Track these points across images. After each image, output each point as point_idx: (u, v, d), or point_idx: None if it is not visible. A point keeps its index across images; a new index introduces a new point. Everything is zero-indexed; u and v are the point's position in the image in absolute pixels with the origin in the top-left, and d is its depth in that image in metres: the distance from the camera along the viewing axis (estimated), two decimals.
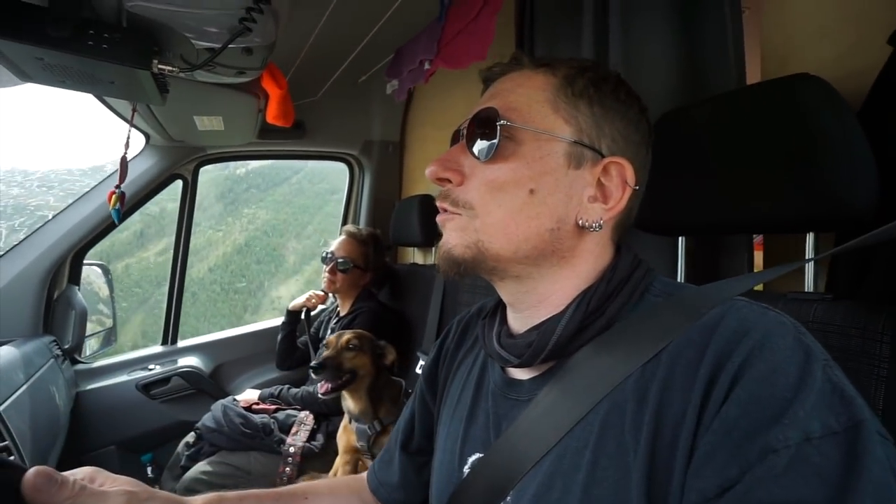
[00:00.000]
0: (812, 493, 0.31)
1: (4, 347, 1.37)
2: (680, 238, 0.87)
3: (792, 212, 0.64)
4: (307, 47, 1.44)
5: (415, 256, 2.17)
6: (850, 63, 0.74)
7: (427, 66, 1.49)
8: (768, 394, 0.34)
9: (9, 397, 1.18)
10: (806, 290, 0.69)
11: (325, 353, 1.22)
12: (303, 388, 1.74)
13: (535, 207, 0.47)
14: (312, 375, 1.20)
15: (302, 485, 0.66)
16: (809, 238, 0.68)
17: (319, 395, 1.21)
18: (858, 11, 0.74)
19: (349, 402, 1.24)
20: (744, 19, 0.89)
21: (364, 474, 0.72)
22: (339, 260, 1.74)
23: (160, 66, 0.76)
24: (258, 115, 1.51)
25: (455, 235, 0.49)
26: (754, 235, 0.88)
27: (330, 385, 1.18)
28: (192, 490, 1.39)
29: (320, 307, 2.04)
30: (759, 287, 0.86)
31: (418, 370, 1.68)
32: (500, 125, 0.47)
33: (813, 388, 0.34)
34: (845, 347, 0.57)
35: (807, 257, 0.68)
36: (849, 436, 0.32)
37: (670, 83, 0.92)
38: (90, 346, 1.89)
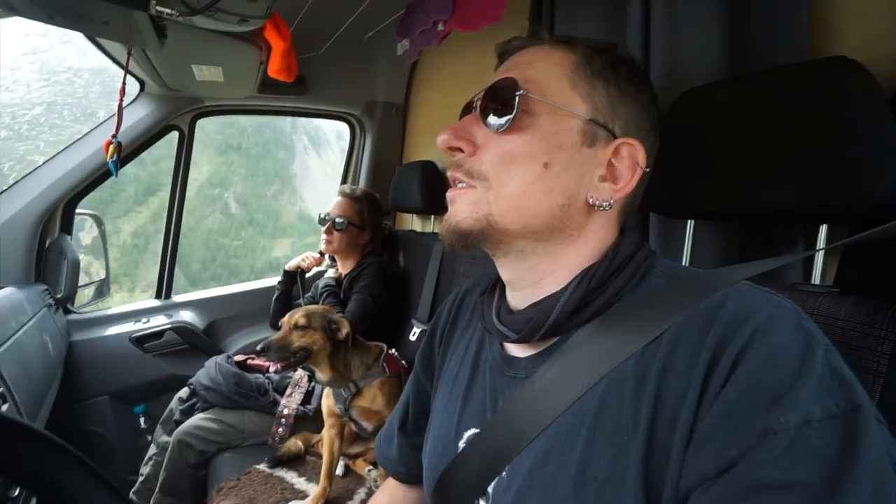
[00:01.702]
0: (810, 474, 0.32)
1: None
2: (689, 222, 0.85)
3: (813, 202, 0.62)
4: None
5: (413, 223, 2.15)
6: (890, 44, 0.71)
7: (440, 27, 1.42)
8: (769, 377, 0.35)
9: (2, 344, 1.17)
10: (814, 282, 0.68)
11: (273, 336, 1.24)
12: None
13: (547, 182, 0.47)
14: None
15: None
16: (822, 230, 0.67)
17: (271, 372, 1.24)
18: None
19: (318, 374, 1.27)
20: None
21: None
22: (336, 219, 1.73)
23: (159, 9, 0.72)
24: (259, 68, 1.45)
25: (465, 209, 0.49)
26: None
27: (280, 364, 1.20)
28: (185, 444, 1.42)
29: (316, 269, 2.03)
30: None
31: (412, 338, 1.69)
32: (519, 96, 0.47)
33: (814, 373, 0.34)
34: (847, 342, 0.57)
35: (817, 248, 0.67)
36: (847, 419, 0.33)
37: (719, 56, 0.87)
38: (83, 296, 1.88)
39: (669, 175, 0.75)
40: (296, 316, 1.24)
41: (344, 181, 2.44)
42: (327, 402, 1.31)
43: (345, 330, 1.25)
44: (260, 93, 1.82)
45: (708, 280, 0.44)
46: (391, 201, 1.98)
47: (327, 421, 1.30)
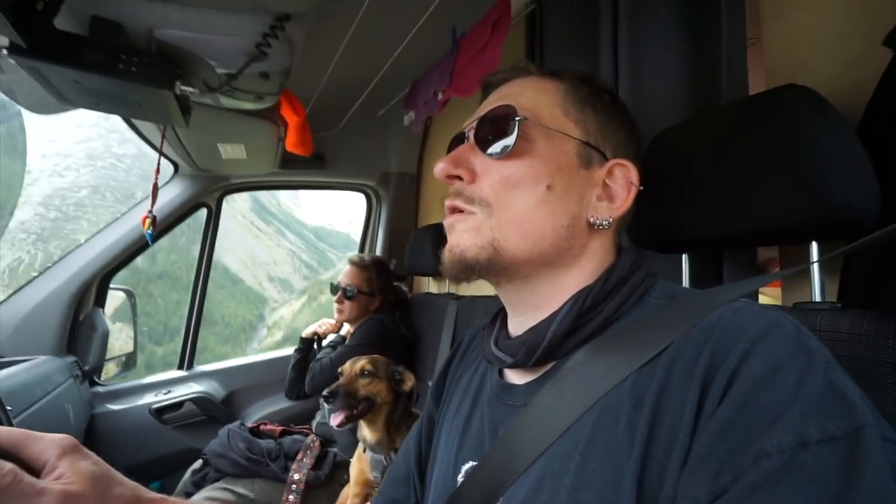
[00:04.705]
0: (806, 501, 0.29)
1: (27, 364, 1.42)
2: (683, 256, 0.86)
3: (791, 221, 0.63)
4: (325, 80, 1.53)
5: (429, 286, 2.18)
6: (855, 74, 0.74)
7: (440, 96, 1.56)
8: (765, 396, 0.33)
9: (24, 411, 1.21)
10: (813, 299, 0.66)
11: (339, 381, 1.20)
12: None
13: (551, 204, 0.48)
14: (325, 404, 1.17)
15: None
16: (813, 247, 0.67)
17: (334, 427, 1.18)
18: (862, 22, 0.75)
19: (365, 431, 1.20)
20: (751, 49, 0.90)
21: None
22: (345, 288, 1.78)
23: (182, 88, 0.83)
24: (278, 144, 1.59)
25: (468, 236, 0.49)
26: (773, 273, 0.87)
27: (344, 415, 1.14)
28: None
29: (332, 336, 2.05)
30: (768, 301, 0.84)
31: None
32: (519, 121, 0.48)
33: (813, 391, 0.32)
34: (853, 355, 0.55)
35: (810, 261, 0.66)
36: (848, 442, 0.30)
37: (675, 100, 0.93)
38: (110, 369, 1.93)
39: (659, 212, 0.77)
40: (361, 362, 1.19)
41: (361, 249, 2.53)
42: (360, 466, 1.22)
43: (409, 382, 1.20)
44: (281, 168, 1.96)
45: (705, 299, 0.43)
46: (407, 265, 2.02)
47: (354, 489, 1.21)
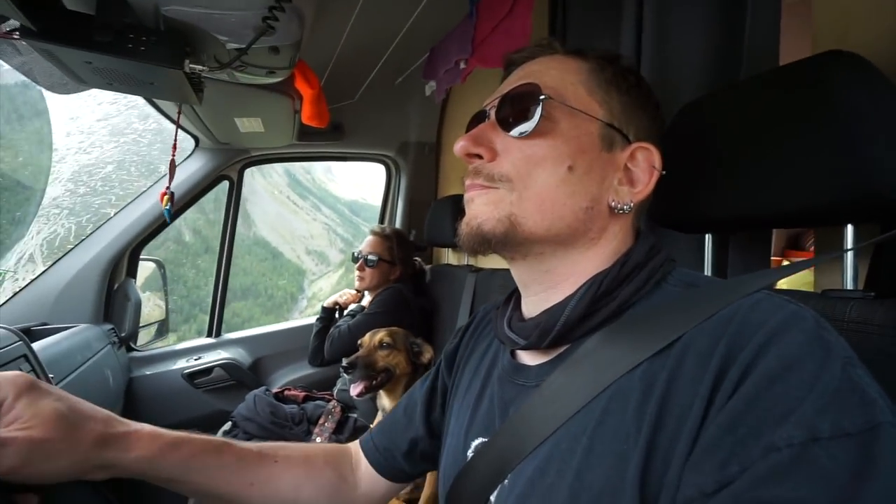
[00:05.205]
0: (815, 495, 0.29)
1: (68, 331, 1.50)
2: (707, 236, 0.82)
3: (826, 201, 0.58)
4: (339, 49, 1.49)
5: (449, 257, 2.18)
6: None
7: (463, 65, 1.50)
8: (779, 390, 0.33)
9: (67, 376, 1.29)
10: (845, 286, 0.63)
11: (359, 352, 1.22)
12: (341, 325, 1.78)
13: (572, 185, 0.47)
14: (344, 375, 1.20)
15: (275, 445, 0.64)
16: (848, 230, 0.62)
17: (354, 396, 1.21)
18: None
19: (385, 401, 1.23)
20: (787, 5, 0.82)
21: (343, 446, 0.71)
22: (368, 257, 1.82)
23: (191, 66, 0.82)
24: (295, 117, 1.58)
25: (487, 209, 0.49)
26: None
27: (363, 385, 1.17)
28: None
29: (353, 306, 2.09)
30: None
31: None
32: (543, 100, 0.47)
33: (828, 387, 0.32)
34: (885, 349, 0.52)
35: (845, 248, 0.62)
36: (864, 439, 0.30)
37: (702, 71, 0.87)
38: (144, 335, 2.03)
39: (682, 190, 0.74)
40: (379, 334, 1.22)
41: (382, 220, 2.53)
42: None
43: (428, 354, 1.22)
44: (299, 140, 1.96)
45: (723, 289, 0.42)
46: (426, 237, 2.02)
47: None
